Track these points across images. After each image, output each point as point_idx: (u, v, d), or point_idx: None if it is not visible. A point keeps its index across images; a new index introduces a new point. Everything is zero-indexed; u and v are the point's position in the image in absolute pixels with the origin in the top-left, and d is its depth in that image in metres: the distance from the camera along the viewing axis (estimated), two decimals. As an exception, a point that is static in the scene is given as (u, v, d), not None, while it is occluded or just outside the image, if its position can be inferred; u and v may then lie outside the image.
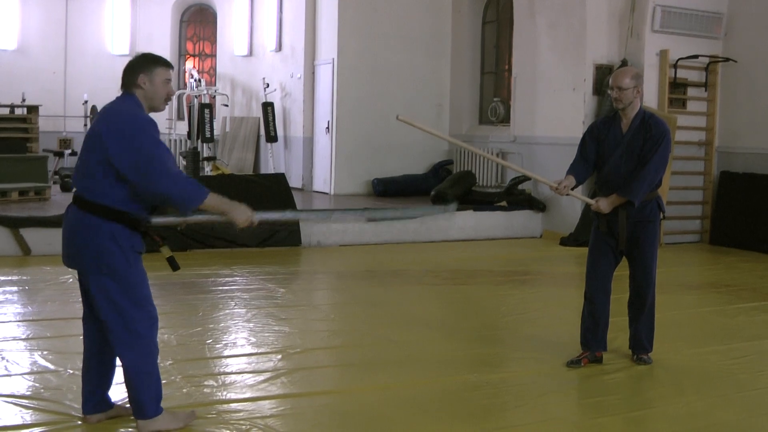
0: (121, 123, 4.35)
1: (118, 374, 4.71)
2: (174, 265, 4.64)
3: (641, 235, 6.13)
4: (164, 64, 4.56)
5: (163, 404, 4.70)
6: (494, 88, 16.05)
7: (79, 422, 4.74)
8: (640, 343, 6.32)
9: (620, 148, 6.06)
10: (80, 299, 7.67)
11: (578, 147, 6.33)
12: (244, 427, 4.73)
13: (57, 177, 15.89)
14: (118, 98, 4.55)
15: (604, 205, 6.09)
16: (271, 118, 17.12)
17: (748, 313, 8.25)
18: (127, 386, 4.54)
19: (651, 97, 12.66)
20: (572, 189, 6.19)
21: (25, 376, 5.61)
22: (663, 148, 5.98)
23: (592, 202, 6.19)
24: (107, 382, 4.75)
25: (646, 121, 6.05)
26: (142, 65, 4.49)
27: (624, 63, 12.59)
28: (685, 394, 5.57)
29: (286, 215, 4.94)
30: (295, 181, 16.11)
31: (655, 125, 6.02)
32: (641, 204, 6.05)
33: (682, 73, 12.91)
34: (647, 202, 6.10)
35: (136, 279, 4.48)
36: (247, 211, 4.51)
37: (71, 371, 5.67)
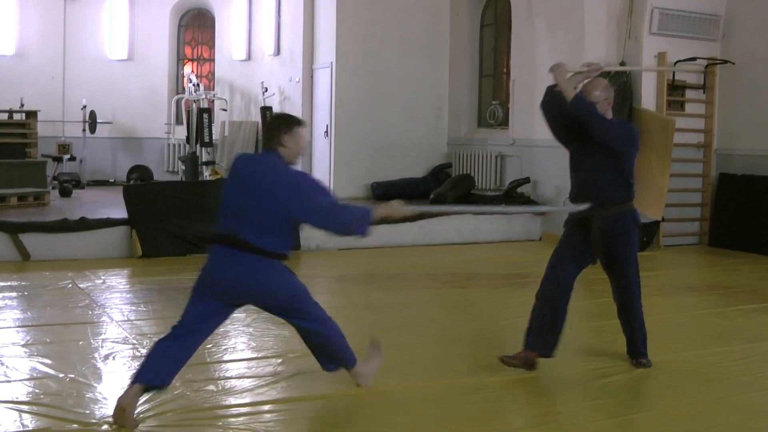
0: (288, 180, 5.00)
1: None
2: None
3: (617, 249, 6.04)
4: (300, 123, 5.22)
5: (162, 408, 4.73)
6: (493, 91, 16.05)
7: (83, 427, 4.74)
8: (637, 350, 6.29)
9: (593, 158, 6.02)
10: (80, 304, 7.68)
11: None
12: (243, 431, 4.73)
13: (56, 182, 15.89)
14: (265, 154, 5.15)
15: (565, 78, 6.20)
16: (269, 122, 17.10)
17: (748, 315, 8.26)
18: (333, 354, 5.41)
19: (649, 99, 12.67)
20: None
21: (24, 381, 5.61)
22: (622, 134, 5.96)
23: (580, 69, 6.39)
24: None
25: None
26: (284, 126, 5.14)
27: (622, 65, 12.60)
28: (685, 397, 5.57)
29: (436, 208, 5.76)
30: (294, 184, 16.08)
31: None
32: (615, 217, 5.97)
33: (680, 76, 12.93)
34: (622, 214, 6.01)
35: (303, 290, 5.34)
36: (398, 206, 5.21)
37: (71, 376, 5.67)
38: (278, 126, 5.15)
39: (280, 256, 5.05)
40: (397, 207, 5.16)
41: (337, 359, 5.43)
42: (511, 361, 5.99)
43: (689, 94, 13.21)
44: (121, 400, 4.81)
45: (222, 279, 4.97)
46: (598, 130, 5.89)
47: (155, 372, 4.89)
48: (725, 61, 13.07)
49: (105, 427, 4.76)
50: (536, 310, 6.08)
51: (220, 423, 4.87)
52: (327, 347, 5.37)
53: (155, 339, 6.65)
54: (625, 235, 6.07)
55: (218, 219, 5.06)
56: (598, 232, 5.95)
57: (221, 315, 5.17)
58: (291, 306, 5.20)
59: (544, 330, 6.01)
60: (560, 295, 6.03)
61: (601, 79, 6.24)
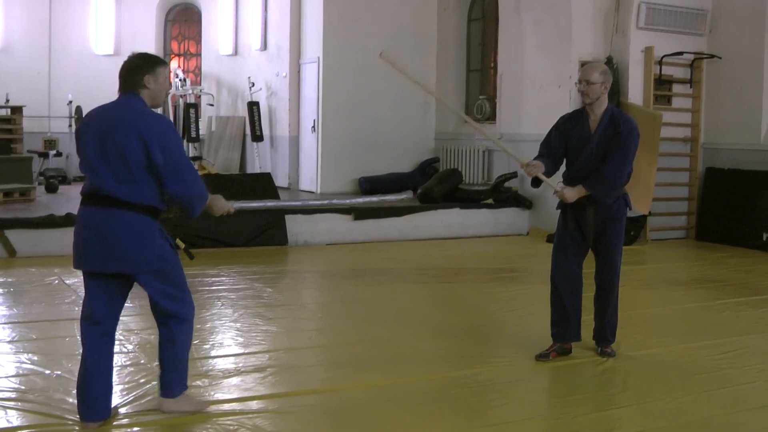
0: (153, 125, 4.54)
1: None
2: (190, 255, 5.27)
3: (608, 232, 6.14)
4: (164, 63, 4.78)
5: (150, 404, 4.74)
6: (480, 86, 16.06)
7: (70, 423, 4.72)
8: (604, 337, 6.39)
9: (589, 147, 6.03)
10: (66, 300, 7.64)
11: (542, 143, 6.31)
12: (231, 427, 4.72)
13: (42, 178, 15.83)
14: (125, 99, 4.65)
15: (570, 193, 6.04)
16: (256, 118, 17.11)
17: (734, 309, 8.28)
18: (167, 365, 4.83)
19: (636, 93, 12.70)
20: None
21: (10, 378, 5.58)
22: (630, 144, 5.98)
23: (557, 188, 6.13)
24: (111, 387, 4.85)
25: (614, 117, 6.04)
26: (145, 66, 4.66)
27: (609, 60, 12.61)
28: (672, 390, 5.58)
29: (265, 204, 5.28)
30: (281, 180, 16.09)
31: (624, 122, 6.01)
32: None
33: (667, 70, 12.94)
34: (614, 199, 6.11)
35: (179, 268, 4.79)
36: (223, 202, 4.92)
37: (58, 373, 5.65)
38: (139, 66, 4.65)
39: (146, 209, 4.57)
40: (219, 203, 4.90)
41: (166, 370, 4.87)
42: (547, 356, 6.21)
43: (676, 88, 13.24)
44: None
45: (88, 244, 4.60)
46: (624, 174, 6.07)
47: None
48: (712, 56, 13.10)
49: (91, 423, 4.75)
50: (552, 303, 6.32)
51: (208, 419, 4.85)
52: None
53: (142, 335, 6.68)
54: (617, 219, 6.16)
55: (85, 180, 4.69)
56: (593, 216, 6.05)
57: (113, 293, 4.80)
58: (151, 272, 4.64)
59: (564, 319, 6.24)
60: (568, 286, 6.23)
61: (599, 63, 6.29)
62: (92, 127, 4.61)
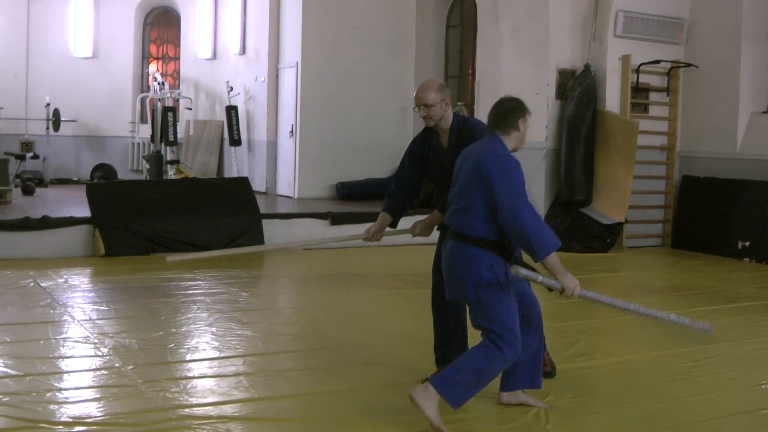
0: (497, 159, 4.73)
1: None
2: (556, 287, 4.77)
3: None
4: (530, 112, 5.01)
5: (123, 408, 4.70)
6: (458, 92, 16.09)
7: (42, 428, 4.70)
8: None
9: (446, 168, 5.52)
10: (41, 303, 7.61)
11: (395, 175, 5.98)
12: (205, 431, 4.71)
13: (18, 180, 15.75)
14: (490, 139, 4.90)
15: (421, 229, 6.10)
16: (234, 122, 17.08)
17: (709, 316, 8.31)
18: (457, 365, 4.88)
19: (613, 101, 12.77)
20: (391, 225, 5.97)
21: (-17, 381, 5.55)
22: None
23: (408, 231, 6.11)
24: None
25: (461, 129, 5.59)
26: (522, 110, 4.93)
27: (587, 67, 12.67)
28: (644, 397, 5.61)
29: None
30: (258, 184, 16.06)
31: (471, 129, 5.54)
32: None
33: (644, 78, 13.02)
34: None
35: (502, 305, 4.81)
36: (576, 283, 4.65)
37: (31, 376, 5.62)
38: (516, 109, 4.94)
39: (476, 240, 4.74)
40: (575, 287, 4.64)
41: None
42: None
43: (653, 96, 13.32)
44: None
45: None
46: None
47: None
48: (689, 65, 13.18)
49: (61, 428, 4.73)
50: (434, 323, 5.94)
51: (182, 423, 4.84)
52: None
53: (117, 338, 6.66)
54: None
55: None
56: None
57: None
58: (471, 302, 4.89)
59: (445, 343, 5.86)
60: (443, 309, 5.79)
61: (432, 80, 5.78)
62: (458, 164, 5.00)
